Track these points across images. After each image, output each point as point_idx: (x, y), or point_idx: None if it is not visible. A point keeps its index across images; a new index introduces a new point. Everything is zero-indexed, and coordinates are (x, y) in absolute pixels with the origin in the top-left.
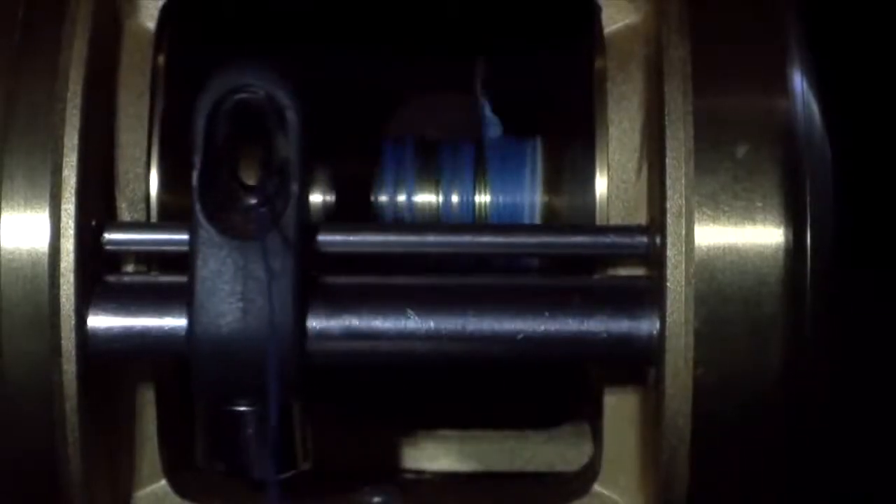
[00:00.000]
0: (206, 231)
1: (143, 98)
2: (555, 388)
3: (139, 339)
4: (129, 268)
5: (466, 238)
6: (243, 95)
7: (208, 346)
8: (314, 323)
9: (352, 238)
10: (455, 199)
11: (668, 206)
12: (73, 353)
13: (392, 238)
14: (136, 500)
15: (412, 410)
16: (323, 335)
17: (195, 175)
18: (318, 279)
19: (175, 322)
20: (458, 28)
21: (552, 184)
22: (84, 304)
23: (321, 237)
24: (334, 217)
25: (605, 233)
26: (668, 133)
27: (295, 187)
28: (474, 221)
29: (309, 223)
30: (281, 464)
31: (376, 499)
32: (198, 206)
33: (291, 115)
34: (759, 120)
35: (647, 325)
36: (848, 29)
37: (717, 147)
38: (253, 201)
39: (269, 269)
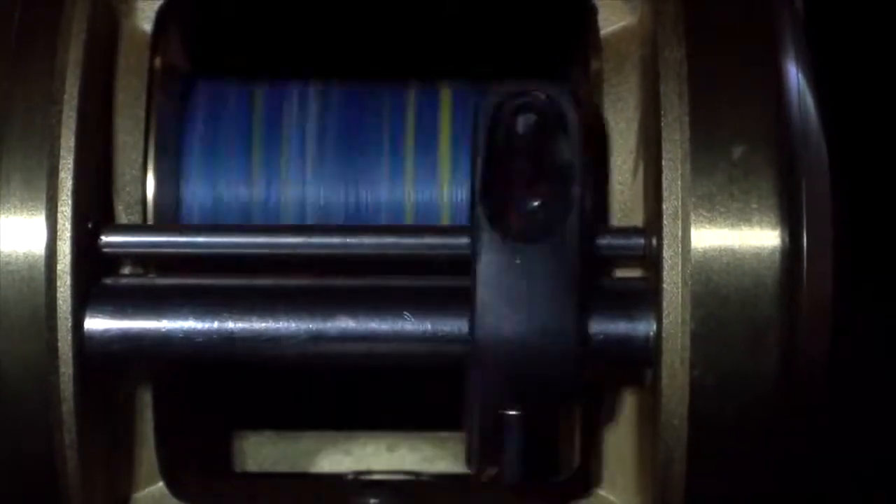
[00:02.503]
0: (488, 234)
1: (139, 100)
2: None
3: (136, 341)
4: (126, 270)
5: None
6: (525, 99)
7: (491, 349)
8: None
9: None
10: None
11: (664, 207)
12: (70, 355)
13: None
14: (133, 502)
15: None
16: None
17: (477, 178)
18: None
19: (172, 324)
20: (455, 28)
21: None
22: (81, 306)
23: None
24: None
25: (602, 234)
26: (665, 134)
27: (577, 190)
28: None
29: (588, 226)
30: (549, 470)
31: (374, 499)
32: (479, 209)
33: (573, 118)
34: (756, 121)
35: (643, 327)
36: (845, 29)
37: (713, 148)
38: (535, 204)
39: (553, 272)
